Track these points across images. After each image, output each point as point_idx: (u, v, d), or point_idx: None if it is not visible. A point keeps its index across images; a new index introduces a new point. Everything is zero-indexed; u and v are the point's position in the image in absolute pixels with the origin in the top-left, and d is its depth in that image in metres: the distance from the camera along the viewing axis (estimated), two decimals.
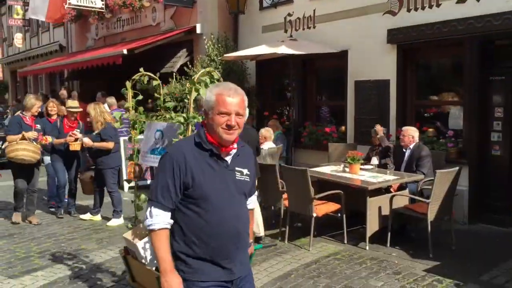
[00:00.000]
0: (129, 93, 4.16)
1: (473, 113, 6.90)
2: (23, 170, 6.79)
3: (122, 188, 8.54)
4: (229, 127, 2.30)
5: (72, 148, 7.03)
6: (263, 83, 10.54)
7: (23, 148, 6.55)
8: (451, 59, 7.72)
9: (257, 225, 5.72)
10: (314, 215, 5.76)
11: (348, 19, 8.44)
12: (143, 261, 3.16)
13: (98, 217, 7.23)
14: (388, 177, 6.17)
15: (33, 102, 6.83)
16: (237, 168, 2.42)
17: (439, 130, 7.55)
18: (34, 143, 6.68)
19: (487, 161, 6.94)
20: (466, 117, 7.01)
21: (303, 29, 9.33)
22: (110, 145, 6.92)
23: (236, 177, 2.41)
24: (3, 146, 7.54)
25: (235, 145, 2.40)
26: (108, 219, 7.10)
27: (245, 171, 2.45)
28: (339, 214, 6.05)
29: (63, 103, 9.20)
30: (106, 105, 10.62)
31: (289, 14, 9.61)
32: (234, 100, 2.31)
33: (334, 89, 9.58)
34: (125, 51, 10.97)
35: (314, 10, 9.09)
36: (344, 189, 5.98)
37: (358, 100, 8.38)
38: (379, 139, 7.30)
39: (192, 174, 2.28)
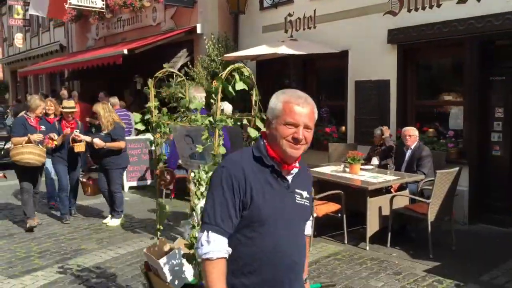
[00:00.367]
0: (152, 92, 3.79)
1: (474, 113, 6.90)
2: (27, 173, 6.64)
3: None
4: (296, 141, 2.00)
5: (76, 149, 6.87)
6: (264, 83, 10.51)
7: (29, 152, 6.38)
8: (451, 59, 7.72)
9: None
10: (314, 215, 5.75)
11: (348, 19, 8.44)
12: (166, 279, 3.08)
13: (121, 219, 7.10)
14: (388, 177, 6.17)
15: (38, 103, 6.66)
16: (297, 190, 2.11)
17: (440, 130, 7.55)
18: (40, 146, 6.50)
19: (487, 161, 6.94)
20: (467, 117, 7.01)
21: (304, 29, 9.33)
22: (122, 144, 6.85)
23: (296, 200, 2.10)
24: (5, 147, 7.46)
25: (297, 164, 2.10)
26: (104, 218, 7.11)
27: (305, 193, 2.15)
28: (339, 214, 6.05)
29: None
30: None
31: (290, 14, 9.61)
32: (303, 110, 2.00)
33: (334, 89, 9.58)
34: (125, 51, 10.97)
35: (315, 10, 9.09)
36: (344, 189, 5.98)
37: (358, 100, 8.38)
38: (385, 139, 7.31)
39: (251, 193, 1.97)
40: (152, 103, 3.80)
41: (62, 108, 7.21)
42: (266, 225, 1.99)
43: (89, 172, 7.49)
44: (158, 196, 3.92)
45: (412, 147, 6.61)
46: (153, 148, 10.05)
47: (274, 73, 10.54)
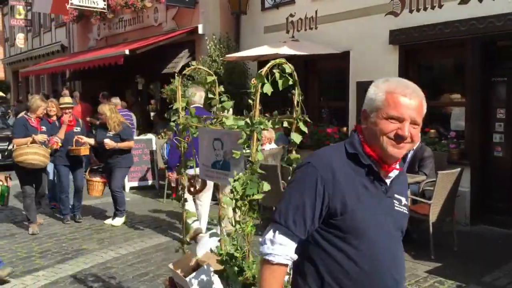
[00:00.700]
0: (179, 91, 3.44)
1: (475, 114, 6.89)
2: (30, 174, 6.49)
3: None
4: (399, 138, 1.70)
5: (82, 153, 6.82)
6: None
7: (34, 152, 6.22)
8: (453, 60, 7.71)
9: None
10: None
11: (350, 20, 8.43)
12: None
13: (124, 218, 7.11)
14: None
15: (39, 104, 6.52)
16: (396, 195, 1.82)
17: (441, 131, 7.54)
18: (44, 146, 6.38)
19: (489, 162, 6.92)
20: (468, 118, 7.00)
21: (305, 29, 9.33)
22: (132, 144, 6.95)
23: (395, 207, 1.81)
24: (9, 148, 7.40)
25: (397, 165, 1.80)
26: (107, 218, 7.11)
27: (403, 200, 1.85)
28: None
29: None
30: None
31: (291, 15, 9.61)
32: (411, 102, 1.72)
33: (335, 90, 9.57)
34: (127, 52, 10.98)
35: (316, 11, 9.08)
36: None
37: (360, 101, 8.36)
38: None
39: (344, 198, 1.68)
40: (179, 103, 3.40)
41: (60, 104, 7.16)
42: (363, 237, 1.69)
43: (94, 172, 7.34)
44: (183, 205, 3.52)
45: (414, 148, 6.59)
46: (154, 148, 10.01)
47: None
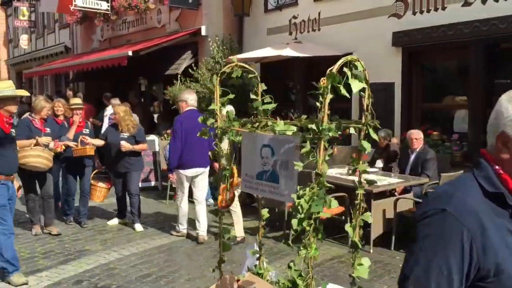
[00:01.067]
0: (217, 91, 3.11)
1: (479, 116, 6.88)
2: (33, 177, 6.33)
3: None
4: None
5: (88, 153, 6.69)
6: (268, 86, 10.50)
7: (37, 155, 5.98)
8: (456, 62, 7.71)
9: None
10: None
11: (353, 22, 8.44)
12: None
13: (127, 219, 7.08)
14: (392, 180, 6.16)
15: (43, 105, 6.32)
16: None
17: (444, 133, 7.53)
18: (47, 149, 6.12)
19: None
20: (471, 120, 6.99)
21: (308, 31, 9.34)
22: (146, 146, 6.98)
23: None
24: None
25: None
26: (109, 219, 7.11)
27: None
28: (343, 217, 6.04)
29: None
30: (110, 107, 10.67)
31: (294, 17, 9.62)
32: None
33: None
34: (130, 53, 11.01)
35: (319, 13, 9.09)
36: (349, 192, 5.97)
37: (362, 103, 8.35)
38: (391, 145, 7.30)
39: (496, 254, 1.28)
40: (217, 104, 3.04)
41: (71, 105, 7.10)
42: None
43: (99, 177, 7.23)
44: (220, 220, 3.22)
45: (417, 150, 6.59)
46: (157, 149, 9.98)
47: (278, 76, 10.55)
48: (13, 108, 4.89)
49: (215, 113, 3.06)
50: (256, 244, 3.19)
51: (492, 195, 1.34)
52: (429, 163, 6.41)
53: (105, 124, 10.38)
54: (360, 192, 2.44)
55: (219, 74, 3.07)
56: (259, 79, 3.05)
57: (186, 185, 6.34)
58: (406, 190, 6.42)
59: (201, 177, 6.30)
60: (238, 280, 2.97)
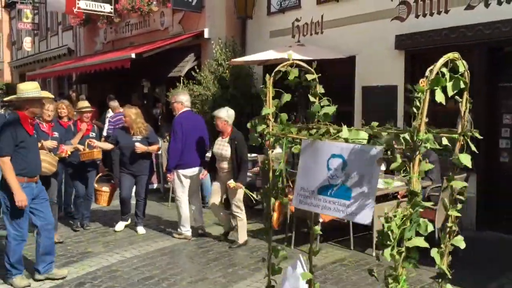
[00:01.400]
0: (269, 93, 2.80)
1: (481, 119, 6.86)
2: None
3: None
4: None
5: (95, 156, 6.62)
6: None
7: (41, 159, 5.59)
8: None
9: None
10: (321, 220, 5.74)
11: (356, 25, 8.43)
12: None
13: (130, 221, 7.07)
14: (395, 183, 6.14)
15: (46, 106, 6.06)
16: None
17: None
18: (52, 154, 5.87)
19: (495, 168, 6.90)
20: (474, 124, 6.97)
21: (311, 34, 9.34)
22: (159, 146, 7.08)
23: None
24: None
25: None
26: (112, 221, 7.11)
27: None
28: (346, 220, 6.03)
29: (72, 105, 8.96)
30: (110, 110, 10.69)
31: (297, 19, 9.63)
32: None
33: (341, 94, 9.53)
34: (133, 55, 11.04)
35: (322, 16, 9.09)
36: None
37: (365, 106, 8.36)
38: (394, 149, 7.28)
39: None
40: (270, 108, 2.74)
41: (79, 109, 7.01)
42: None
43: (104, 180, 7.11)
44: (269, 239, 2.94)
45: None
46: (159, 151, 9.97)
47: (281, 78, 10.54)
48: (38, 110, 4.97)
49: (266, 118, 2.67)
50: (305, 265, 2.78)
51: None
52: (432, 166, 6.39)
53: (106, 126, 10.39)
54: (452, 214, 2.02)
55: (273, 74, 2.66)
56: (317, 80, 2.63)
57: (186, 184, 6.40)
58: None
59: (195, 175, 6.46)
60: None
